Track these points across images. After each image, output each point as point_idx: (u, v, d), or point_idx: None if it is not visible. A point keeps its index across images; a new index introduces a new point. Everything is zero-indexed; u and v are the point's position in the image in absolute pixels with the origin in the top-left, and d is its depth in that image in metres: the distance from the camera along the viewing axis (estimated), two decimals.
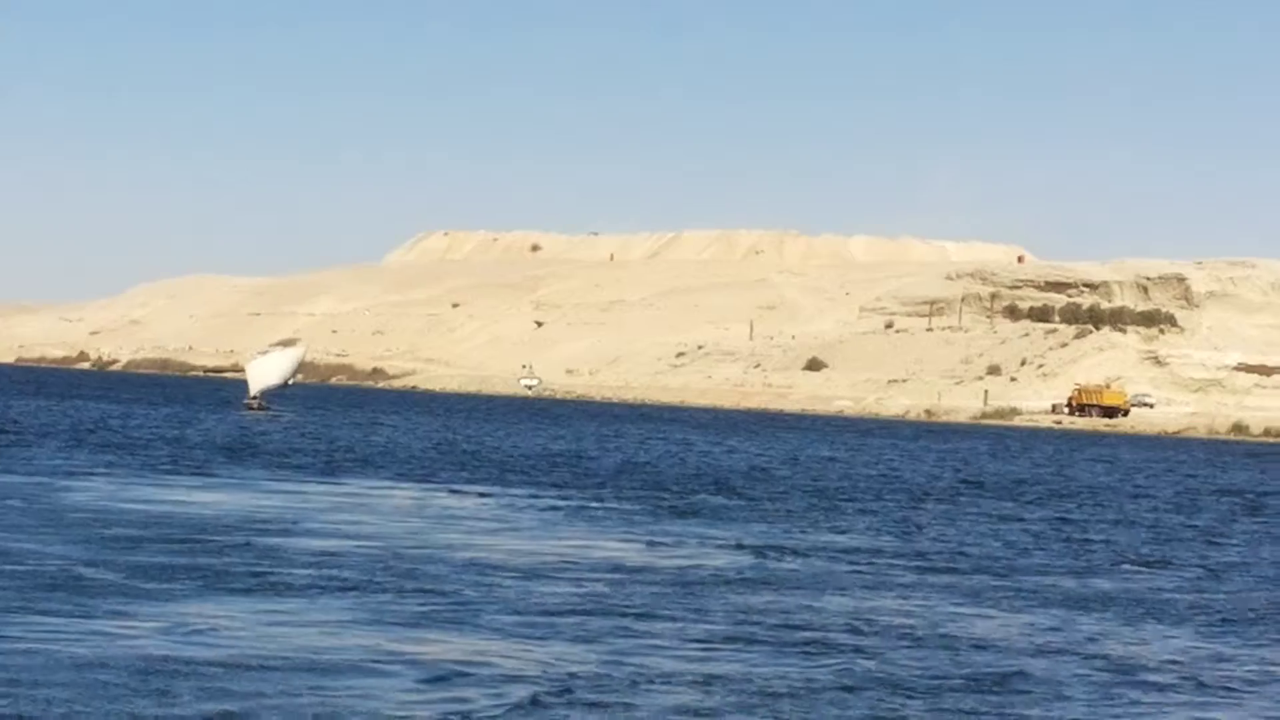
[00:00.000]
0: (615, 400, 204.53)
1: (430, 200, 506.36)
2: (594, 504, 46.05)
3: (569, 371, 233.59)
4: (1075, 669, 22.32)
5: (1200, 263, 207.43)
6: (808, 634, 23.91)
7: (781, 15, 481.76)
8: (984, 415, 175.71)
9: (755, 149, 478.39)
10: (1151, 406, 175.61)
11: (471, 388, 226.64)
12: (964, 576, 32.46)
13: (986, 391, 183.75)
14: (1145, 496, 63.12)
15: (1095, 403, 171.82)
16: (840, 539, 39.37)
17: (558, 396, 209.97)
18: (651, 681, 19.87)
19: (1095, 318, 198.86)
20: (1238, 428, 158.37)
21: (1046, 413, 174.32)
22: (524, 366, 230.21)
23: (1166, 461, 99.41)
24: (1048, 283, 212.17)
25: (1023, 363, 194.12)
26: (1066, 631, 25.69)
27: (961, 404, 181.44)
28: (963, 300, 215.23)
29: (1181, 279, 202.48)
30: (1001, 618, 26.90)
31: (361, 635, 22.02)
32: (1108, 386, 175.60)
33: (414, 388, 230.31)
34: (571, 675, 20.00)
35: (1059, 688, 20.95)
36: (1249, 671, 23.05)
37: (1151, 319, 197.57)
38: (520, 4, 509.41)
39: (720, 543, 36.69)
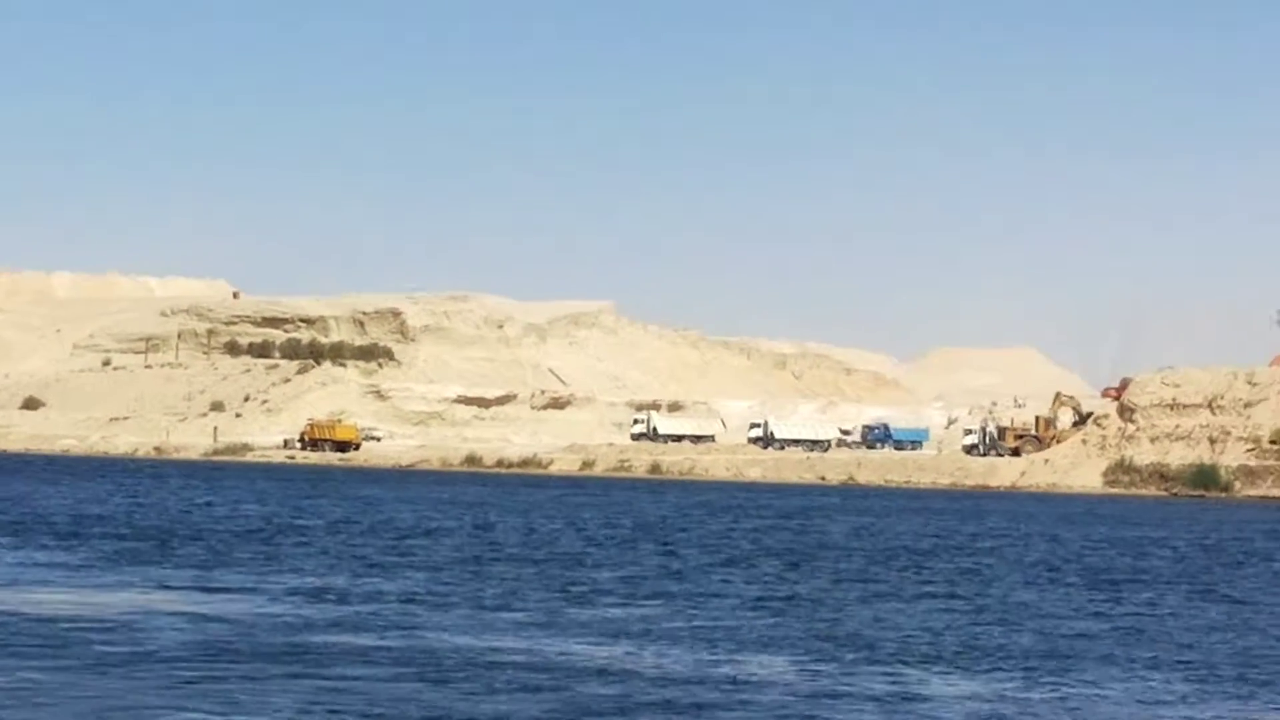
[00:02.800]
0: None
1: None
2: None
3: None
4: None
5: (415, 297, 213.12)
6: None
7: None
8: (216, 452, 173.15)
9: None
10: (379, 440, 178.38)
11: None
12: None
13: (216, 428, 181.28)
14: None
15: (328, 437, 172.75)
16: None
17: None
18: None
19: (316, 353, 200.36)
20: (471, 459, 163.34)
21: (279, 448, 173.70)
22: None
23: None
24: (265, 318, 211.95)
25: (246, 398, 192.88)
26: None
27: (192, 441, 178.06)
28: (179, 337, 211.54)
29: (397, 313, 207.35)
30: None
31: None
32: (339, 421, 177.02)
33: None
34: None
35: None
36: None
37: (370, 353, 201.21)
38: None
39: None
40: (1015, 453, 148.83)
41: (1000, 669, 26.61)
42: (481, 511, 74.07)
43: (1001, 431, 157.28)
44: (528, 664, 25.78)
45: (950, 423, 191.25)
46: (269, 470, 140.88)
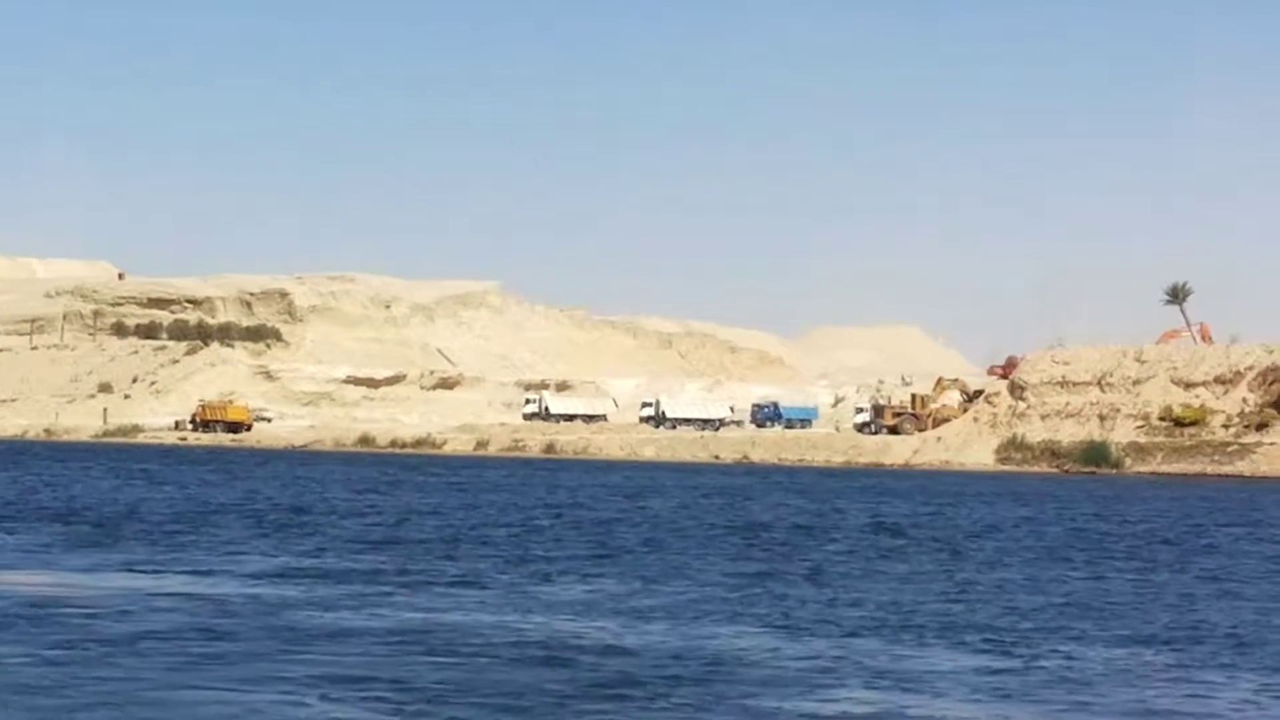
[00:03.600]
0: None
1: None
2: None
3: None
4: None
5: (301, 277, 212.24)
6: None
7: None
8: (106, 434, 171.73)
9: None
10: (270, 421, 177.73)
11: None
12: None
13: (106, 409, 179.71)
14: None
15: (220, 419, 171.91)
16: None
17: None
18: None
19: (204, 334, 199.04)
20: (364, 440, 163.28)
21: (170, 429, 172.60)
22: None
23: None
24: (151, 299, 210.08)
25: (135, 380, 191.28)
26: None
27: (82, 423, 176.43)
28: (65, 318, 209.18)
29: (284, 294, 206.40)
30: None
31: None
32: (230, 402, 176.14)
33: None
34: None
35: None
36: None
37: (258, 334, 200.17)
38: None
39: None
40: (894, 430, 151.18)
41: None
42: (449, 492, 74.58)
43: (880, 409, 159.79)
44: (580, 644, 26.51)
45: (838, 401, 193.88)
46: (168, 452, 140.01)
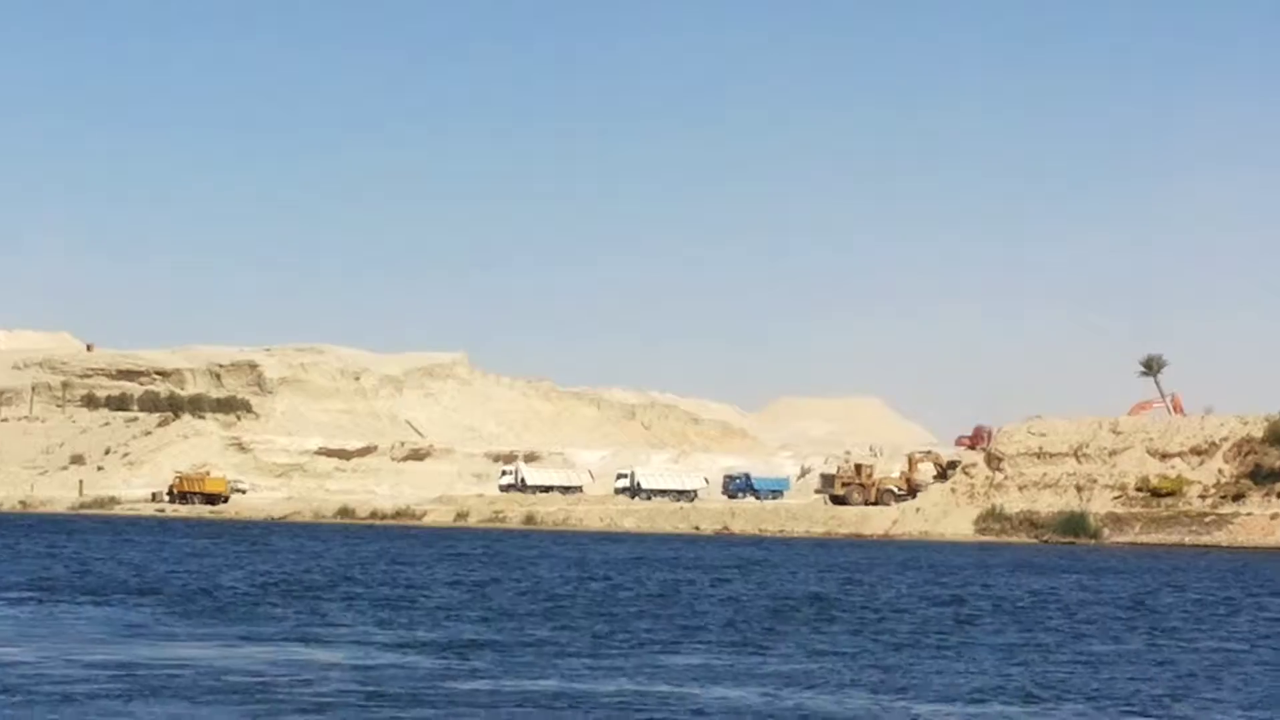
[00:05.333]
0: None
1: None
2: None
3: None
4: None
5: (270, 349, 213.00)
6: None
7: None
8: (83, 505, 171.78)
9: None
10: (245, 492, 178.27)
11: None
12: None
13: (81, 481, 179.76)
14: None
15: (198, 490, 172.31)
16: None
17: None
18: None
19: (175, 405, 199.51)
20: (344, 511, 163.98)
21: (147, 501, 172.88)
22: None
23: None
24: (120, 371, 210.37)
25: (107, 451, 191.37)
26: None
27: (56, 494, 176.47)
28: (33, 390, 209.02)
29: (254, 365, 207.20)
30: None
31: None
32: (207, 474, 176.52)
33: None
34: None
35: None
36: None
37: (229, 405, 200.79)
38: None
39: None
40: (840, 500, 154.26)
41: None
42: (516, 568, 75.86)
43: (829, 479, 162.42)
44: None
45: (804, 472, 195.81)
46: (154, 526, 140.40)
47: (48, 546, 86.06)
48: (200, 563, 72.47)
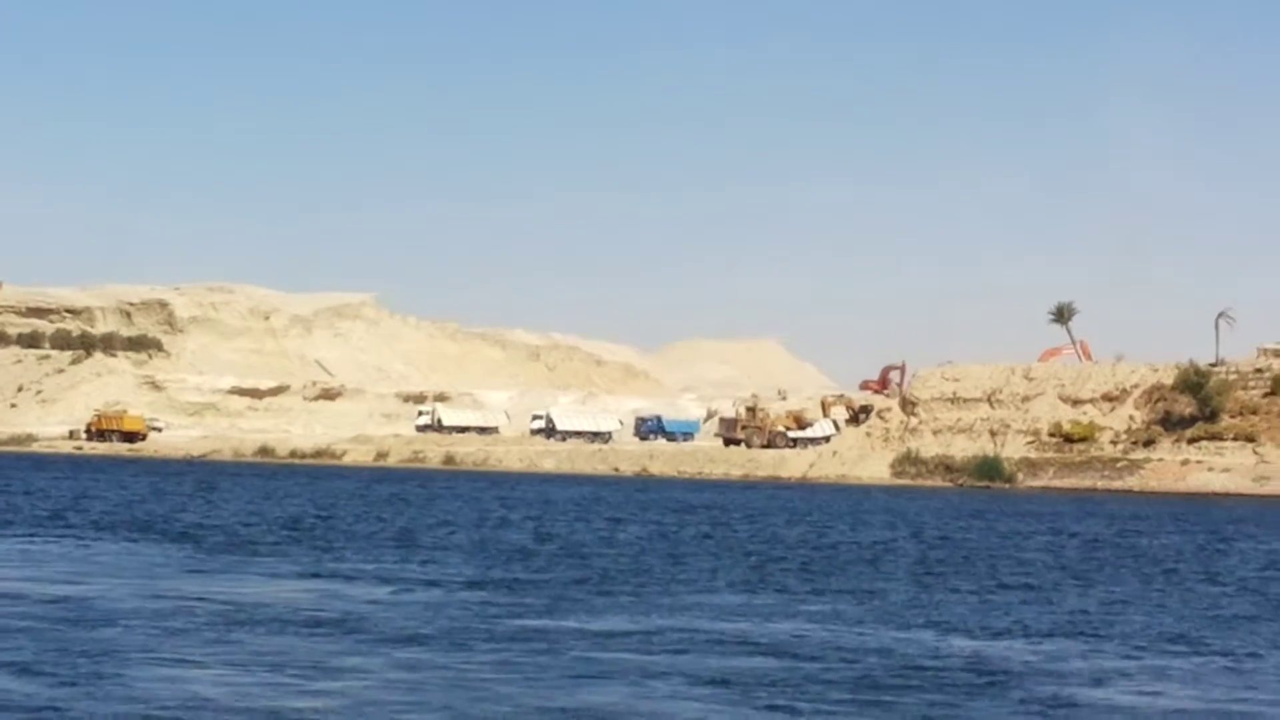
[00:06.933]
0: None
1: None
2: None
3: None
4: None
5: (180, 288, 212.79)
6: None
7: None
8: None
9: None
10: (160, 430, 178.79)
11: None
12: None
13: None
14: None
15: (116, 428, 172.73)
16: None
17: None
18: None
19: (87, 343, 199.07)
20: (265, 450, 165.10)
21: (65, 438, 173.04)
22: None
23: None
24: (30, 309, 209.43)
25: (20, 389, 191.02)
26: None
27: None
28: None
29: (164, 304, 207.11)
30: None
31: None
32: (125, 412, 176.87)
33: None
34: None
35: None
36: None
37: (140, 344, 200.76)
38: None
39: None
40: (733, 442, 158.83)
41: None
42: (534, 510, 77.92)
43: (730, 423, 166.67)
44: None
45: (710, 415, 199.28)
46: (81, 462, 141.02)
47: (18, 483, 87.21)
48: (191, 502, 74.15)
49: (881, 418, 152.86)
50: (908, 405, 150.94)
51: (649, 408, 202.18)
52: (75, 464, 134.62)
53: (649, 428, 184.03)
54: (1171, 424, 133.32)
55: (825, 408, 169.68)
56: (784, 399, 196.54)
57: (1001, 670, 26.71)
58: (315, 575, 40.39)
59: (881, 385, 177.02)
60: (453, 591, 37.16)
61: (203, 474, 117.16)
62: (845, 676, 25.58)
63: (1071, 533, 67.83)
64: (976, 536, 63.81)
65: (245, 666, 24.80)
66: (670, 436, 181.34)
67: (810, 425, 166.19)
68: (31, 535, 50.96)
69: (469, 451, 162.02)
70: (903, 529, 67.64)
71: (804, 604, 36.28)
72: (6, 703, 21.53)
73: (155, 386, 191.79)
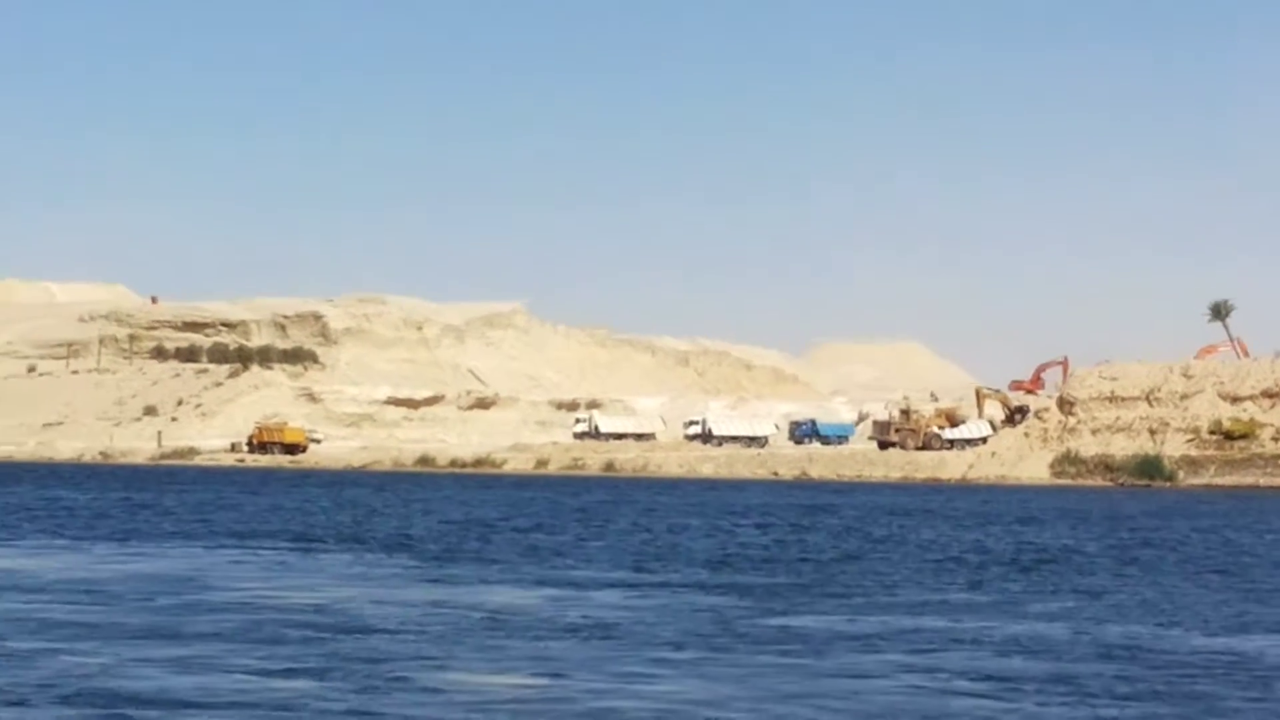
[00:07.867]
0: None
1: None
2: None
3: None
4: None
5: (333, 300, 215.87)
6: None
7: None
8: (163, 456, 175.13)
9: None
10: (319, 442, 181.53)
11: None
12: None
13: (160, 432, 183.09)
14: None
15: (277, 440, 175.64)
16: None
17: None
18: None
19: (243, 356, 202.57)
20: (425, 460, 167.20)
21: (227, 451, 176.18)
22: None
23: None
24: (185, 323, 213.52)
25: (180, 403, 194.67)
26: None
27: (135, 445, 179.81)
28: (100, 342, 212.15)
29: (318, 316, 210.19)
30: None
31: None
32: (285, 424, 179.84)
33: None
34: None
35: None
36: None
37: (296, 356, 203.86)
38: None
39: None
40: (887, 445, 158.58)
41: None
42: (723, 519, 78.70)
43: (885, 426, 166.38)
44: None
45: (862, 417, 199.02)
46: (241, 475, 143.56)
47: (216, 496, 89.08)
48: (390, 513, 75.40)
49: (1039, 418, 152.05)
50: (1065, 405, 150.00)
51: (801, 411, 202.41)
52: (243, 476, 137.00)
53: (803, 431, 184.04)
54: None
55: (980, 399, 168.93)
56: (935, 400, 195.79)
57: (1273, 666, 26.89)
58: (542, 583, 40.89)
59: (1035, 384, 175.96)
60: (709, 594, 37.86)
61: (373, 484, 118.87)
62: (1115, 673, 25.87)
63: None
64: (1178, 535, 63.70)
65: (534, 670, 25.45)
66: (825, 440, 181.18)
67: (963, 422, 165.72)
68: (258, 547, 52.01)
69: (628, 458, 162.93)
70: (1099, 528, 67.53)
71: (1036, 604, 36.60)
72: (321, 709, 22.30)
73: (312, 398, 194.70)
